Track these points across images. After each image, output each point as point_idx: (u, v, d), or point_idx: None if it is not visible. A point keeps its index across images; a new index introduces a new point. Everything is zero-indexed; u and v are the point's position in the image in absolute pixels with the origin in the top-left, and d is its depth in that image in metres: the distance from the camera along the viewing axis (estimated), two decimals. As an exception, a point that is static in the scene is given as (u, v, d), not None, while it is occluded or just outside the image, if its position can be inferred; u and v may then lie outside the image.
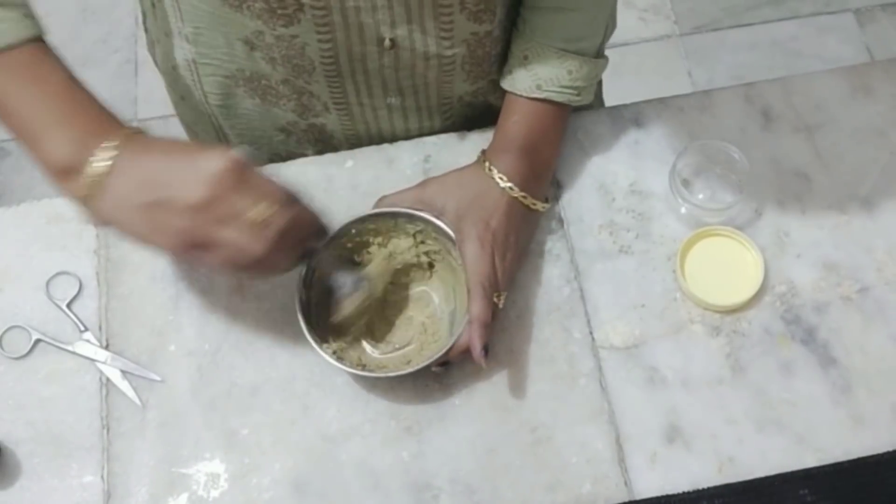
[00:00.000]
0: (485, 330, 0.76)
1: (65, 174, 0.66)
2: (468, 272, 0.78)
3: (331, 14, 0.75)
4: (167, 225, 0.65)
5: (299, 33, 0.77)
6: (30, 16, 0.69)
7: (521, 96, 0.84)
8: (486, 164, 0.82)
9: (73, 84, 0.69)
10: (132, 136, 0.67)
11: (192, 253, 0.67)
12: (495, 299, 0.78)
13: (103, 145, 0.66)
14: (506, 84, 0.85)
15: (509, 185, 0.81)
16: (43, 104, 0.67)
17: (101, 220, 0.68)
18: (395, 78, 0.84)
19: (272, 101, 0.89)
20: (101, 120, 0.68)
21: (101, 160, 0.65)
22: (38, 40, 0.69)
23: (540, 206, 0.84)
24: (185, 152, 0.67)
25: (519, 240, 0.82)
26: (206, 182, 0.65)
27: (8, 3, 0.67)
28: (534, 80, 0.83)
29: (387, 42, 0.79)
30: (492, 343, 0.79)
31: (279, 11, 0.75)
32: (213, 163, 0.65)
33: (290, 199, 0.69)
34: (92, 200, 0.66)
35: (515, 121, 0.84)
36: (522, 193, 0.81)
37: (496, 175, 0.81)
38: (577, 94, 0.84)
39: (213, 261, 0.67)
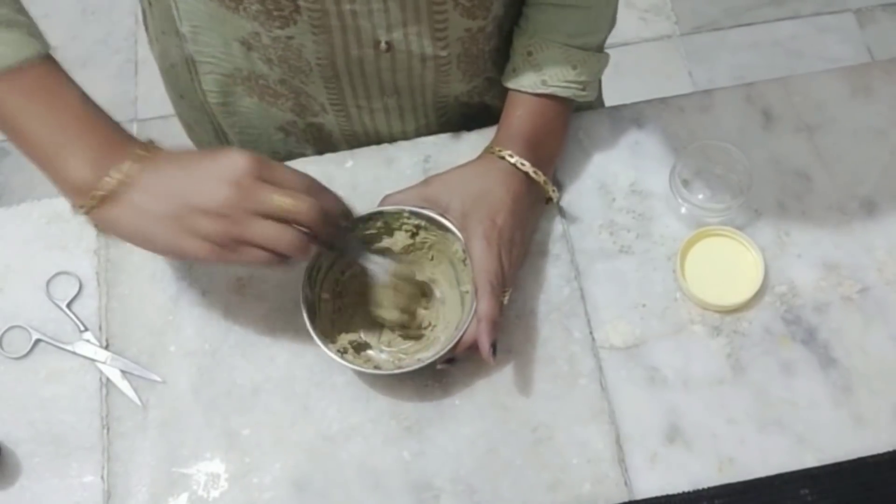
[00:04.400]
0: (493, 327, 0.75)
1: (80, 192, 0.67)
2: (475, 270, 0.77)
3: (327, 17, 0.75)
4: (196, 231, 0.66)
5: (295, 35, 0.77)
6: (35, 34, 0.68)
7: (525, 93, 0.84)
8: (504, 151, 0.81)
9: (84, 102, 0.69)
10: (147, 152, 0.68)
11: (223, 255, 0.67)
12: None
13: (118, 165, 0.66)
14: (510, 83, 0.85)
15: (532, 169, 0.81)
16: (56, 125, 0.67)
17: (117, 233, 0.68)
18: (392, 80, 0.84)
19: (270, 101, 0.89)
20: (114, 139, 0.68)
21: (114, 178, 0.66)
22: (46, 57, 0.68)
23: (554, 192, 0.84)
24: (204, 159, 0.67)
25: (524, 237, 0.82)
26: (230, 181, 0.65)
27: (12, 23, 0.66)
28: (538, 75, 0.83)
29: (383, 45, 0.79)
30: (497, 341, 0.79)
31: (275, 13, 0.75)
32: (235, 162, 0.65)
33: (313, 187, 0.69)
34: (103, 213, 0.67)
35: (519, 115, 0.84)
36: (544, 178, 0.82)
37: (516, 160, 0.81)
38: (583, 89, 0.84)
39: (245, 258, 0.67)
